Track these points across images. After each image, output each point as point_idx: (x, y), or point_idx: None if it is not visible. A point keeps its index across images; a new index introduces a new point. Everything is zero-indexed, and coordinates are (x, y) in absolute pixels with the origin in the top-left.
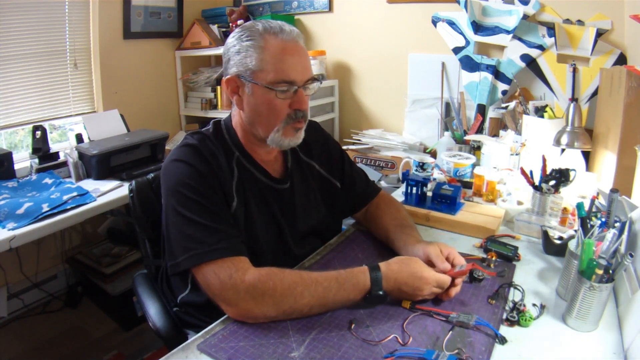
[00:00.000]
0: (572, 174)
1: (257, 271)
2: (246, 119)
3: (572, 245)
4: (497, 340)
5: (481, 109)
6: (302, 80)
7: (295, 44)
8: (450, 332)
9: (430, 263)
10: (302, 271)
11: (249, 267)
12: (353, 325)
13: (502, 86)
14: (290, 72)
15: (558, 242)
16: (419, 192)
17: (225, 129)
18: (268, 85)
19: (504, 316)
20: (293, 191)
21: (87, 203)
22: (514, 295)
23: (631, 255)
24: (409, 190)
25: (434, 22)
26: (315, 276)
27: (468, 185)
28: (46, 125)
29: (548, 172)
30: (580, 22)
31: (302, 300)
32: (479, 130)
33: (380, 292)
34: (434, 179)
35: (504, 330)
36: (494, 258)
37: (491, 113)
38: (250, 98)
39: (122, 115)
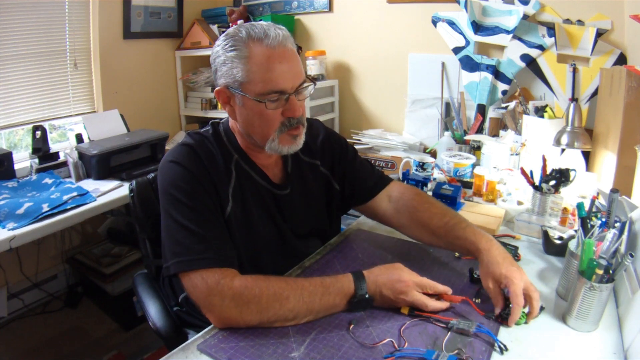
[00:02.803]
0: (572, 174)
1: (244, 278)
2: (241, 129)
3: (572, 245)
4: (495, 349)
5: (481, 109)
6: (293, 86)
7: (282, 49)
8: (450, 332)
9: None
10: (288, 277)
11: (236, 275)
12: (352, 326)
13: (502, 86)
14: (278, 80)
15: (558, 242)
16: None
17: (223, 132)
18: (257, 97)
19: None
20: (293, 196)
21: (87, 203)
22: None
23: (631, 255)
24: None
25: (434, 22)
26: (301, 281)
27: (468, 185)
28: (46, 125)
29: (548, 172)
30: (580, 22)
31: (287, 304)
32: (479, 130)
33: (366, 296)
34: (434, 179)
35: (503, 330)
36: None
37: (491, 113)
38: (242, 109)
39: (122, 115)
